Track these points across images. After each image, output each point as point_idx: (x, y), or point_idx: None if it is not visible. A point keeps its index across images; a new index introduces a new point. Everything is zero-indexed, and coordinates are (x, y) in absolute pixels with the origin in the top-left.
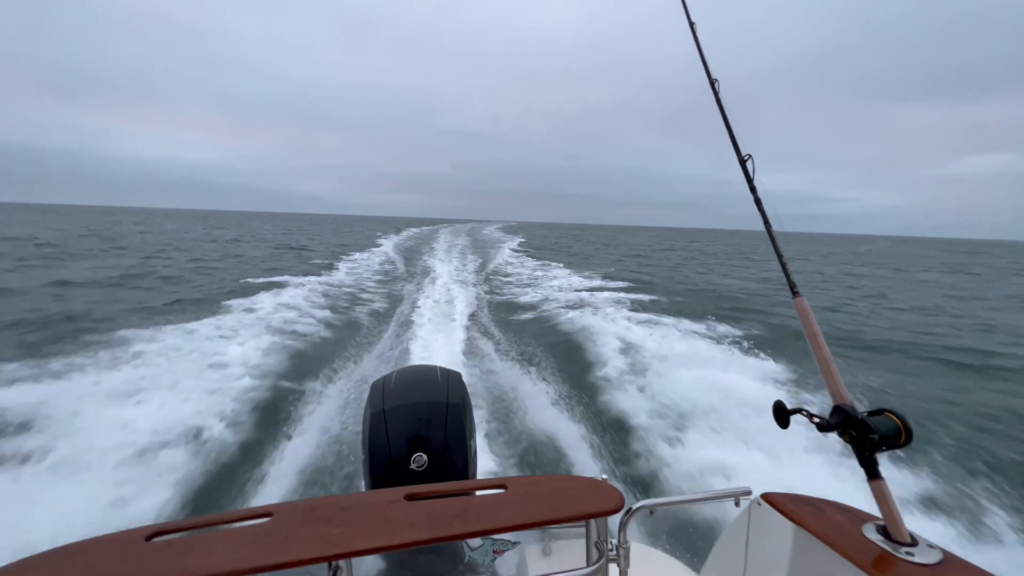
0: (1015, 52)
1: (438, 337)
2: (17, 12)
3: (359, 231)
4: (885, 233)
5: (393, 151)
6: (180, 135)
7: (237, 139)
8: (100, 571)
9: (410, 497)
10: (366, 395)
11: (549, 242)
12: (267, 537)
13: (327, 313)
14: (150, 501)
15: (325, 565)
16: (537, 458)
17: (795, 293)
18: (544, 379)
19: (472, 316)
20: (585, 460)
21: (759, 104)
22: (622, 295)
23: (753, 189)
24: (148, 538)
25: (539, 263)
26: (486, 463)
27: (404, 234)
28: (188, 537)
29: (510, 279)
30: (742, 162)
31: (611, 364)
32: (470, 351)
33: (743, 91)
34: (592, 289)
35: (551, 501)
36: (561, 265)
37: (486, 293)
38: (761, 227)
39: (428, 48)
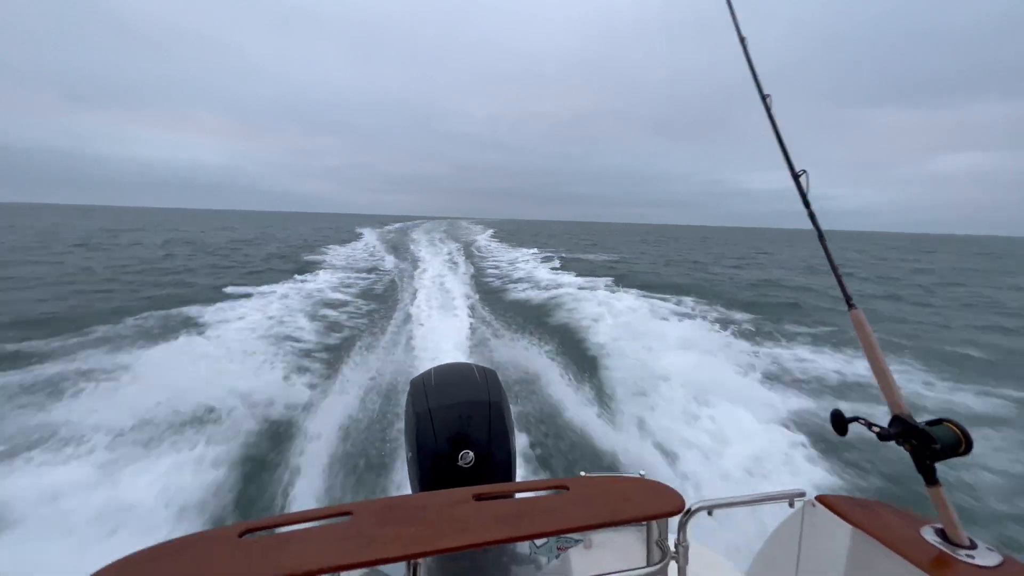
0: (977, 63)
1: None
2: (46, 27)
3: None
4: (876, 230)
5: (393, 153)
6: (194, 140)
7: (247, 143)
8: (201, 565)
9: (478, 497)
10: (406, 392)
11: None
12: (351, 536)
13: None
14: None
15: (404, 563)
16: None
17: (851, 305)
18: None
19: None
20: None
21: (735, 106)
22: None
23: (807, 203)
24: (240, 535)
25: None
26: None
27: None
28: (277, 535)
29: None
30: (795, 178)
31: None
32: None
33: (733, 93)
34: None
35: (614, 502)
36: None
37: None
38: (743, 224)
39: (430, 59)
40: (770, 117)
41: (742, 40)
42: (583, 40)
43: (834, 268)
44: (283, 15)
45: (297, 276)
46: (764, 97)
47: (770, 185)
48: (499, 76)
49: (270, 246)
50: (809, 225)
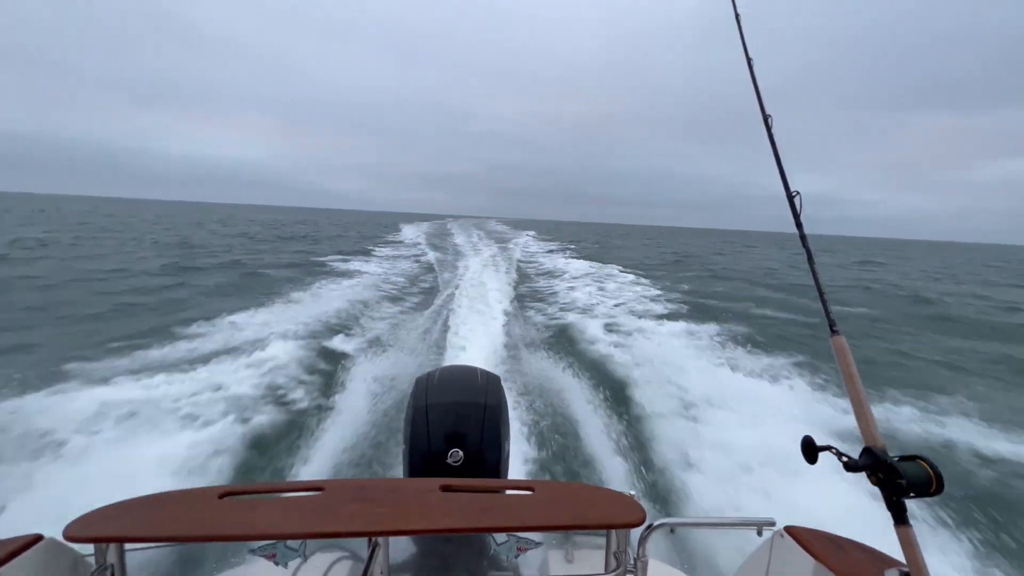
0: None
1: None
2: (114, 37)
3: None
4: (918, 238)
5: (427, 153)
6: (240, 138)
7: (288, 141)
8: (182, 517)
9: (445, 488)
10: (410, 389)
11: None
12: (319, 509)
13: None
14: None
15: (365, 540)
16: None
17: (834, 331)
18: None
19: None
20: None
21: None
22: None
23: (799, 226)
24: (220, 496)
25: None
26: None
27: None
28: (252, 500)
29: None
30: (790, 198)
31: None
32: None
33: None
34: None
35: (576, 507)
36: None
37: None
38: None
39: (466, 64)
40: (770, 138)
41: (749, 61)
42: (611, 42)
43: (820, 290)
44: (326, 24)
45: None
46: (766, 118)
47: (802, 188)
48: (529, 79)
49: None
50: (837, 232)
